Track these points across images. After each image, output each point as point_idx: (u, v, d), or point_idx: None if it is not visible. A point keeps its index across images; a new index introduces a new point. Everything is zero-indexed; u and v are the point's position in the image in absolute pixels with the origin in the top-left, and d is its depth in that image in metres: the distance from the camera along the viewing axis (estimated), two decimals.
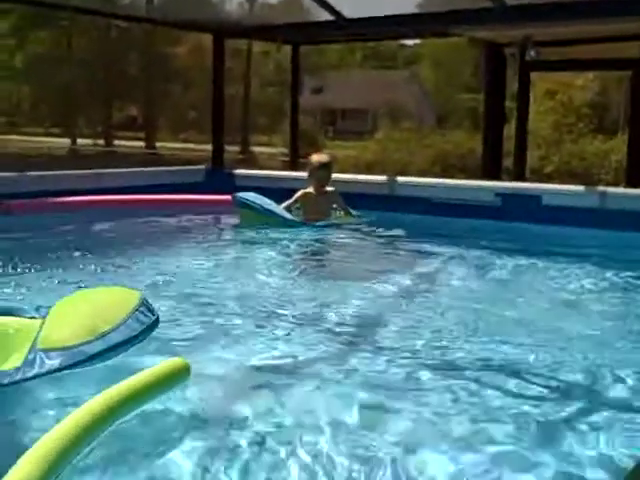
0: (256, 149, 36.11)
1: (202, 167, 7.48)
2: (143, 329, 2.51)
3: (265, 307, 3.49)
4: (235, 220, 6.06)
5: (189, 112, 36.16)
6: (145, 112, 35.96)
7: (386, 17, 7.15)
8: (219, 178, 7.28)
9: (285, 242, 5.40)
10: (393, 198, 6.51)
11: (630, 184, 7.47)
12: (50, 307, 2.59)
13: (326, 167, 6.19)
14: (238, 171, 7.37)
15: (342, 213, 6.27)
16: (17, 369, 2.26)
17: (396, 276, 4.38)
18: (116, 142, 35.30)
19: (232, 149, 32.60)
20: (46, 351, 2.29)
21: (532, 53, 7.19)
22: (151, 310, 2.62)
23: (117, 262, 4.51)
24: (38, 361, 2.26)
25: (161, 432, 2.13)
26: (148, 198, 6.26)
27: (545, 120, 15.60)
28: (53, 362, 2.26)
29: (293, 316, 3.34)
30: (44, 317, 2.53)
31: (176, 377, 2.24)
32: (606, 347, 3.00)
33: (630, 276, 4.33)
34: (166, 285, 3.91)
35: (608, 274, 4.38)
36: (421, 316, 3.45)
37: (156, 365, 2.21)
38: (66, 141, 35.38)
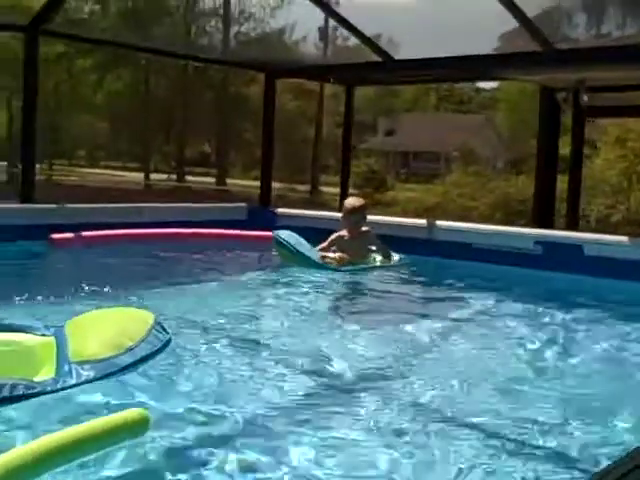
0: (325, 189, 36.37)
1: (244, 205, 7.50)
2: (160, 346, 2.76)
3: (280, 350, 3.44)
4: (275, 258, 6.04)
5: (260, 150, 36.69)
6: (218, 149, 36.68)
7: (433, 59, 7.08)
8: (260, 216, 7.28)
9: (315, 285, 5.31)
10: (432, 242, 6.37)
11: None
12: (60, 325, 2.89)
13: (358, 211, 6.11)
14: (279, 210, 7.35)
15: (379, 255, 6.17)
16: (54, 380, 2.49)
17: (423, 323, 4.25)
18: (189, 178, 36.07)
19: (303, 188, 32.95)
20: (80, 363, 2.56)
21: (585, 98, 6.99)
22: (164, 329, 2.86)
23: (143, 294, 4.51)
24: (74, 372, 2.53)
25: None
26: (190, 232, 6.30)
27: (614, 167, 15.17)
28: (88, 373, 2.54)
29: (305, 364, 3.24)
30: (56, 334, 2.81)
31: (133, 428, 2.16)
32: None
33: None
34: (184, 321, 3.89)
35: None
36: (443, 367, 3.35)
37: (114, 414, 2.15)
38: (141, 176, 36.37)
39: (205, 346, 3.38)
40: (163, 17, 26.71)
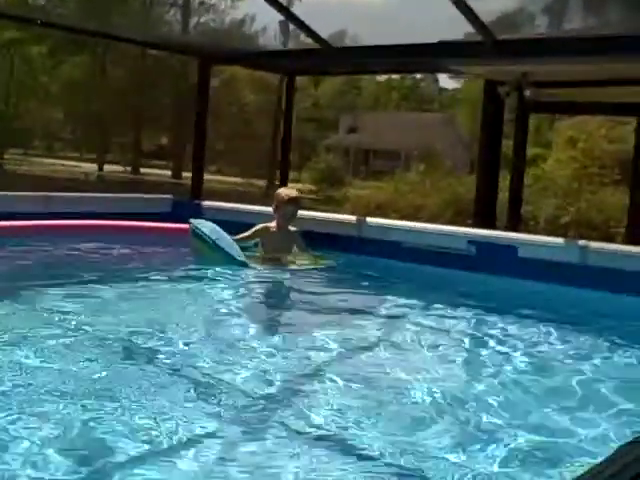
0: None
1: (169, 196, 7.05)
2: None
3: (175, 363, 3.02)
4: (187, 251, 5.61)
5: (218, 144, 36.13)
6: (174, 142, 36.03)
7: (371, 47, 6.72)
8: (185, 208, 6.84)
9: (230, 284, 4.91)
10: (362, 240, 6.00)
11: (629, 239, 6.87)
12: None
13: (294, 202, 5.75)
14: (205, 202, 6.93)
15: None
16: None
17: (342, 329, 3.88)
18: (145, 170, 35.36)
19: (262, 183, 32.46)
20: None
21: (527, 93, 6.68)
22: None
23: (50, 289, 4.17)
24: None
25: None
26: (98, 224, 5.84)
27: (566, 168, 15.01)
28: None
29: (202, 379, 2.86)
30: None
31: None
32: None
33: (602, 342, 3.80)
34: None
35: (576, 338, 3.84)
36: (362, 372, 3.05)
37: None
38: (96, 167, 35.58)
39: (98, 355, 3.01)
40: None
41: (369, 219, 6.11)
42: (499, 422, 2.56)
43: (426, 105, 54.23)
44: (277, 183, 8.76)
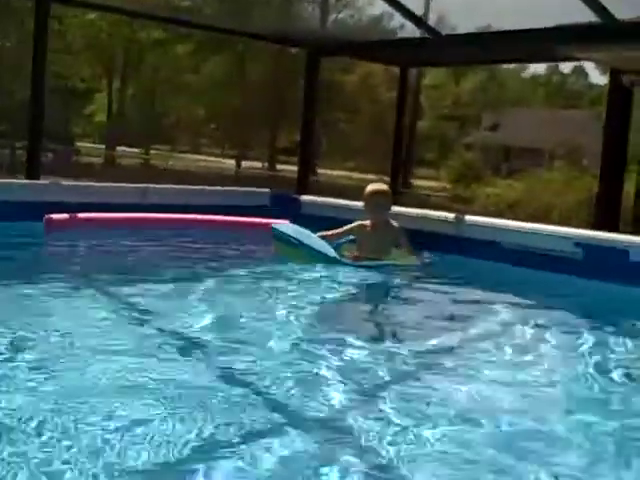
0: (420, 182, 35.43)
1: (267, 190, 6.91)
2: None
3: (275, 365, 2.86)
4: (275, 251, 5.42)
5: (355, 140, 36.11)
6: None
7: (485, 35, 6.29)
8: (283, 202, 6.69)
9: (321, 284, 4.66)
10: (459, 239, 5.61)
11: None
12: None
13: (380, 196, 5.46)
14: (304, 197, 6.74)
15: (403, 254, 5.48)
16: None
17: (437, 337, 3.57)
18: (281, 167, 35.82)
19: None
20: None
21: None
22: None
23: (134, 285, 4.12)
24: None
25: None
26: (186, 218, 5.77)
27: None
28: None
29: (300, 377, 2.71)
30: None
31: None
32: None
33: None
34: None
35: None
36: (455, 386, 2.76)
37: None
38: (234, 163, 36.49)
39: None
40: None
41: (468, 217, 5.70)
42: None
43: (574, 101, 51.83)
44: (386, 179, 8.45)
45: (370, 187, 5.55)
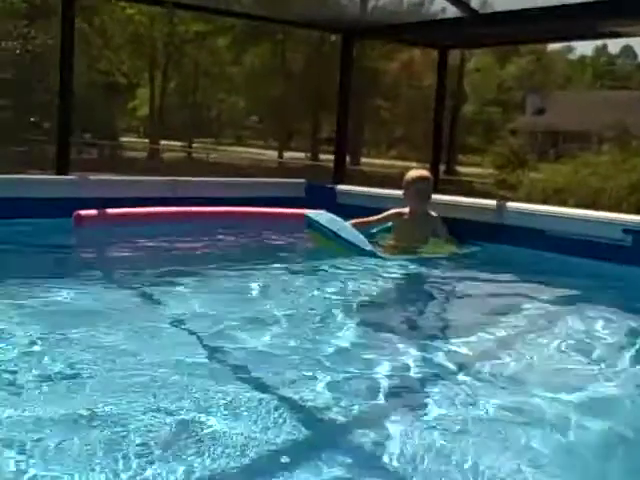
0: (465, 169, 34.94)
1: (302, 181, 6.72)
2: None
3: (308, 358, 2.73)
4: (309, 242, 5.25)
5: (398, 128, 35.75)
6: (352, 127, 36.01)
7: (519, 12, 6.00)
8: (319, 192, 6.50)
9: (356, 276, 4.46)
10: (502, 227, 5.36)
11: None
12: None
13: (421, 182, 5.25)
14: (340, 187, 6.54)
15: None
16: None
17: (483, 332, 3.35)
18: (324, 157, 35.65)
19: (441, 168, 31.75)
20: None
21: None
22: None
23: (163, 279, 4.01)
24: None
25: None
26: (217, 210, 5.63)
27: None
28: None
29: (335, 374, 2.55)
30: None
31: None
32: None
33: None
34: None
35: None
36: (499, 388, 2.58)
37: None
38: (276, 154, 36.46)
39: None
40: None
41: (510, 204, 5.45)
42: None
43: (622, 82, 50.59)
44: (427, 166, 8.20)
45: (411, 173, 5.36)
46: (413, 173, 5.37)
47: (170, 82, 34.05)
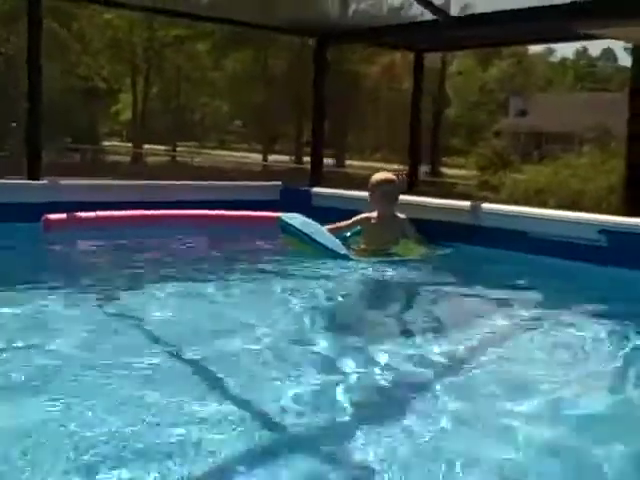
0: (450, 171, 35.02)
1: (278, 183, 6.67)
2: None
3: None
4: (282, 244, 5.19)
5: (378, 131, 35.77)
6: (335, 130, 35.99)
7: (493, 14, 5.98)
8: (294, 195, 6.45)
9: (327, 279, 4.42)
10: (477, 228, 5.32)
11: None
12: None
13: (386, 185, 5.21)
14: (315, 189, 6.49)
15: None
16: None
17: (456, 334, 3.35)
18: (308, 159, 35.62)
19: (424, 169, 31.78)
20: None
21: None
22: None
23: (131, 284, 4.00)
24: None
25: None
26: (190, 214, 5.56)
27: None
28: None
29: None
30: None
31: None
32: None
33: None
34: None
35: None
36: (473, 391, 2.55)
37: None
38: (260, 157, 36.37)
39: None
40: None
41: (485, 205, 5.42)
42: None
43: (603, 84, 50.88)
44: (403, 168, 8.17)
45: (375, 176, 5.32)
46: (378, 176, 5.33)
47: (152, 87, 33.91)
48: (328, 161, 35.30)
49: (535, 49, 46.53)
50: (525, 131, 45.25)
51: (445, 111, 38.52)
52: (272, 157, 37.10)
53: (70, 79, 23.32)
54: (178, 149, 36.37)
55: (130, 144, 34.77)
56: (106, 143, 33.08)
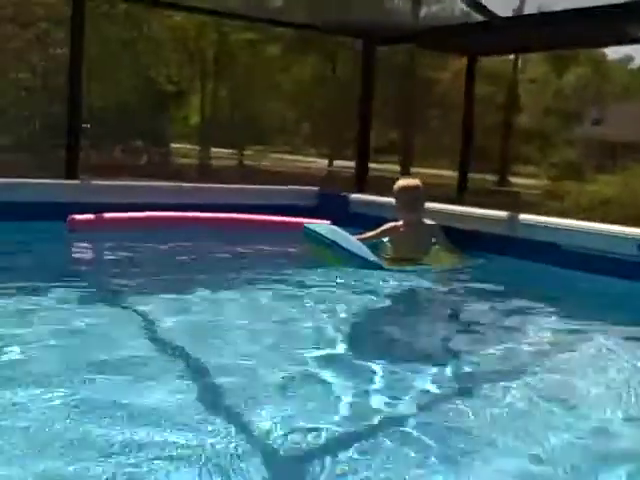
0: (520, 180, 34.28)
1: (314, 189, 6.54)
2: None
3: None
4: (306, 253, 5.05)
5: (448, 138, 35.30)
6: (403, 137, 35.72)
7: (546, 14, 5.74)
8: (331, 201, 6.31)
9: (356, 289, 4.28)
10: (511, 239, 5.09)
11: None
12: None
13: (409, 192, 5.03)
14: (353, 195, 6.34)
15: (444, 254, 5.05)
16: None
17: (490, 344, 3.27)
18: (376, 166, 35.37)
19: (491, 179, 31.19)
20: None
21: None
22: None
23: (149, 286, 3.96)
24: None
25: None
26: (220, 217, 5.48)
27: None
28: None
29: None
30: None
31: None
32: None
33: None
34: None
35: None
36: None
37: None
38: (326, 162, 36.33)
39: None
40: None
41: (521, 215, 5.17)
42: None
43: None
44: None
45: (398, 183, 5.15)
46: (401, 182, 5.17)
47: (221, 90, 34.26)
48: (396, 168, 35.13)
49: (613, 56, 45.11)
50: (600, 140, 44.07)
51: (517, 119, 37.72)
52: (339, 162, 37.01)
53: (141, 82, 23.72)
54: (245, 152, 36.62)
55: (198, 147, 35.18)
56: (175, 145, 33.51)
